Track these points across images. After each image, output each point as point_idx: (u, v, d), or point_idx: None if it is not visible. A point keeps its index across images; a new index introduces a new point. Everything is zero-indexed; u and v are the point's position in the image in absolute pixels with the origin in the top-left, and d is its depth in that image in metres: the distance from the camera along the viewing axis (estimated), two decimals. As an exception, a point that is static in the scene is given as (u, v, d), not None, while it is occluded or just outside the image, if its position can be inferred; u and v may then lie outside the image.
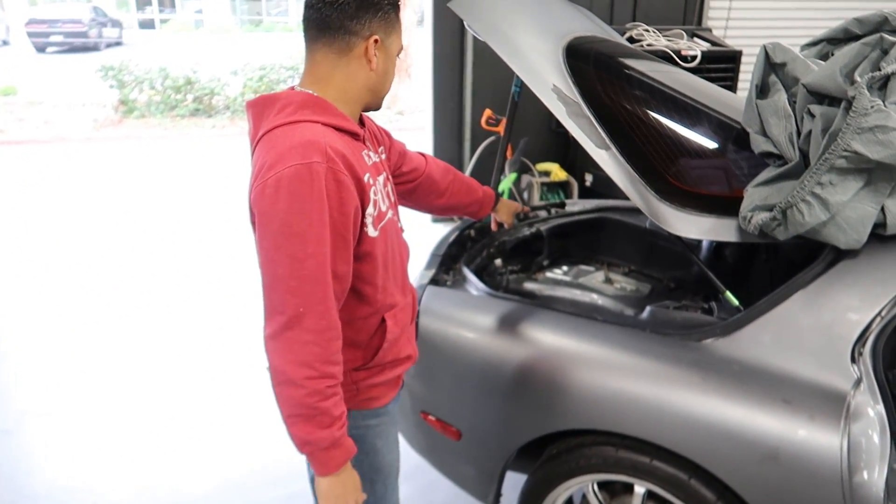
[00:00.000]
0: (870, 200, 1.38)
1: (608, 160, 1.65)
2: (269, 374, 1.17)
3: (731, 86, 4.30)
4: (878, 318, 1.43)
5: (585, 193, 4.65)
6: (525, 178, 4.88)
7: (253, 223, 1.20)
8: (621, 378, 1.61)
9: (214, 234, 5.04)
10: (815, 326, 1.49)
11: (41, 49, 17.89)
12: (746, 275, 2.27)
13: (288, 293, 1.13)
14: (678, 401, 1.52)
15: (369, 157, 1.32)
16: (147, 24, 24.22)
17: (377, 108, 1.36)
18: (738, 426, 1.45)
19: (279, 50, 11.01)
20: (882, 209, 1.39)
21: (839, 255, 1.52)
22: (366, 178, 1.24)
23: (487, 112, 4.36)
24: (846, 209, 1.38)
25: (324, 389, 1.15)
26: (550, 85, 1.74)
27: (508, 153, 4.56)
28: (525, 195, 4.89)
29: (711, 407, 1.49)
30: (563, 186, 4.83)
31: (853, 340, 1.44)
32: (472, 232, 2.48)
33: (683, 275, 2.49)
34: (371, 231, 1.26)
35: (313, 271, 1.13)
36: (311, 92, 1.25)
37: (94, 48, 17.96)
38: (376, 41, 1.24)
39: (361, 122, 1.37)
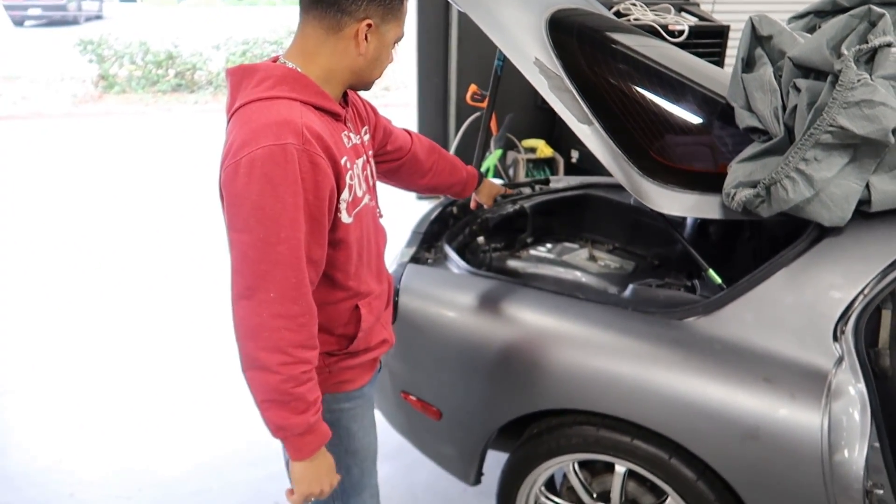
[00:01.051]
0: (854, 177, 1.35)
1: (591, 135, 1.61)
2: (240, 358, 1.14)
3: (719, 61, 4.26)
4: (861, 296, 1.42)
5: (571, 170, 4.62)
6: (510, 155, 4.83)
7: (222, 200, 1.15)
8: (602, 357, 1.60)
9: (194, 212, 4.96)
10: (797, 305, 1.47)
11: (19, 23, 17.44)
12: (730, 252, 2.25)
13: (258, 277, 1.09)
14: (659, 380, 1.51)
15: (349, 138, 1.27)
16: (128, -3, 23.72)
17: (365, 89, 1.30)
18: (719, 405, 1.44)
19: (263, 24, 10.79)
20: (867, 186, 1.37)
21: (822, 232, 1.50)
22: (343, 162, 1.19)
23: (472, 87, 4.30)
24: (831, 186, 1.35)
25: (298, 375, 1.13)
26: (532, 58, 1.69)
27: (493, 129, 4.52)
28: (510, 172, 4.85)
29: (692, 386, 1.48)
30: (548, 163, 4.79)
31: (835, 319, 1.43)
32: (455, 209, 2.45)
33: (667, 252, 2.47)
34: (345, 217, 1.22)
35: (286, 255, 1.09)
36: (293, 66, 1.20)
37: (73, 21, 17.54)
38: (369, 25, 1.17)
39: (346, 100, 1.32)
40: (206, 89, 9.92)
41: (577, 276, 2.40)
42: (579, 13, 2.06)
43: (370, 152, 1.40)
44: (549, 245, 2.62)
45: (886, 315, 1.53)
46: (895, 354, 1.58)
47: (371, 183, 1.37)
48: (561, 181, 2.74)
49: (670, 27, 4.04)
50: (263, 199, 1.07)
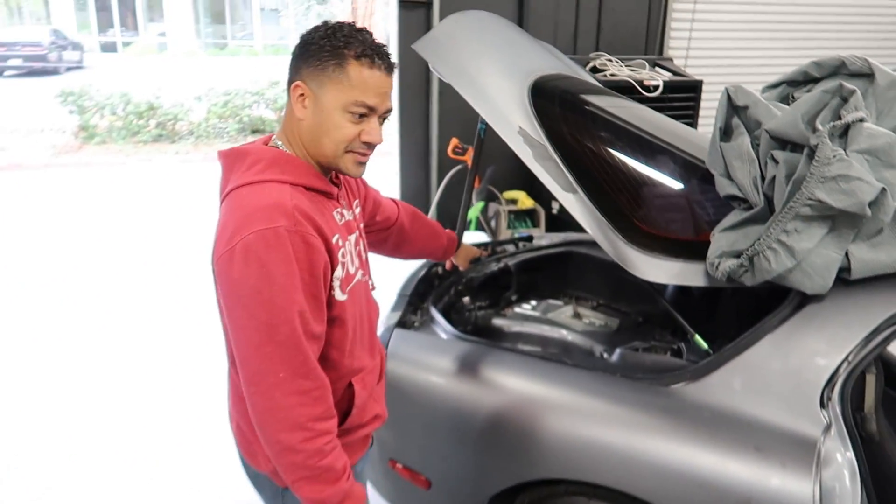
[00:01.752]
0: (834, 246, 1.38)
1: (575, 204, 1.64)
2: (266, 447, 1.15)
3: (693, 114, 4.37)
4: (846, 363, 1.44)
5: (552, 221, 4.66)
6: (492, 207, 4.87)
7: (217, 286, 1.16)
8: (592, 425, 1.59)
9: (175, 264, 4.92)
10: (783, 371, 1.48)
11: (-1, 73, 17.53)
12: (714, 309, 2.27)
13: (265, 360, 1.10)
14: (650, 449, 1.50)
15: (342, 215, 1.29)
16: (109, 48, 23.86)
17: (332, 168, 1.25)
18: (711, 475, 1.43)
19: (244, 74, 10.91)
20: (846, 254, 1.40)
21: (805, 298, 1.53)
22: (335, 240, 1.20)
23: (454, 141, 4.36)
24: (811, 255, 1.38)
25: (322, 447, 1.14)
26: (517, 127, 1.73)
27: (475, 182, 4.57)
28: (492, 224, 4.88)
29: (683, 455, 1.47)
30: (530, 214, 4.84)
31: (822, 385, 1.44)
32: (440, 269, 2.45)
33: (651, 308, 2.49)
34: (339, 295, 1.22)
35: (289, 336, 1.10)
36: (281, 147, 1.22)
37: (53, 72, 17.61)
38: (297, 86, 1.18)
39: (338, 175, 1.33)
40: (188, 139, 9.95)
41: (563, 334, 2.41)
42: (560, 78, 2.11)
43: (361, 225, 1.41)
44: (533, 302, 2.62)
45: (871, 380, 1.55)
46: (881, 418, 1.60)
47: (363, 258, 1.38)
48: (544, 238, 2.77)
49: (645, 82, 4.14)
50: (261, 284, 1.08)
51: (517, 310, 2.58)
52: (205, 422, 3.00)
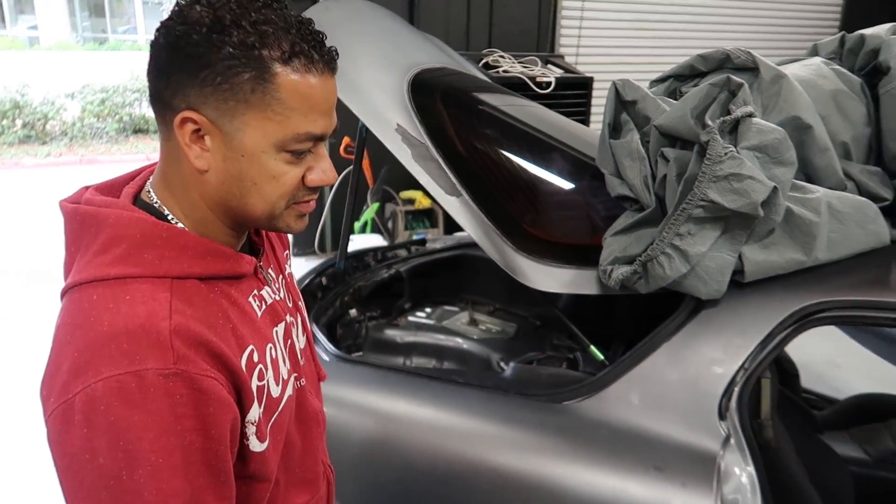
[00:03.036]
0: (727, 249, 1.31)
1: (459, 208, 1.50)
2: None
3: (585, 111, 4.38)
4: (742, 371, 1.37)
5: (450, 220, 4.56)
6: (388, 207, 4.71)
7: (52, 453, 0.72)
8: (485, 449, 1.45)
9: (40, 284, 4.44)
10: (681, 382, 1.40)
11: None
12: (609, 309, 2.21)
13: None
14: (546, 472, 1.38)
15: (262, 299, 0.86)
16: (-28, 41, 21.87)
17: (269, 230, 0.86)
18: (611, 499, 1.33)
19: (125, 70, 10.17)
20: (739, 257, 1.33)
21: (700, 303, 1.46)
22: (245, 359, 0.78)
23: (346, 140, 4.16)
24: (705, 259, 1.30)
25: None
26: (394, 124, 1.57)
27: (370, 182, 4.39)
28: (389, 225, 4.72)
29: (582, 478, 1.36)
30: (427, 214, 4.72)
31: (719, 395, 1.37)
32: (324, 279, 2.26)
33: (548, 312, 2.41)
34: (255, 445, 0.80)
35: None
36: (154, 203, 0.79)
37: None
38: (185, 120, 0.73)
39: (258, 232, 0.93)
40: (61, 140, 9.18)
41: (459, 343, 2.28)
42: (444, 73, 1.97)
43: (297, 292, 1.01)
44: (428, 309, 2.48)
45: (766, 384, 1.51)
46: (776, 423, 1.56)
47: (299, 348, 0.94)
48: (437, 241, 2.64)
49: (538, 79, 4.11)
50: (115, 468, 0.67)
51: (411, 318, 2.43)
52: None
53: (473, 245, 2.55)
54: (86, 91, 9.58)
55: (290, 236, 1.12)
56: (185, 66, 0.71)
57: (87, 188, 0.83)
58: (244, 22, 0.70)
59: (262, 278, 0.88)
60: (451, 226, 4.47)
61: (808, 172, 1.47)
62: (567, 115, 2.10)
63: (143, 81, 9.82)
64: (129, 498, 0.67)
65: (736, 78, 1.32)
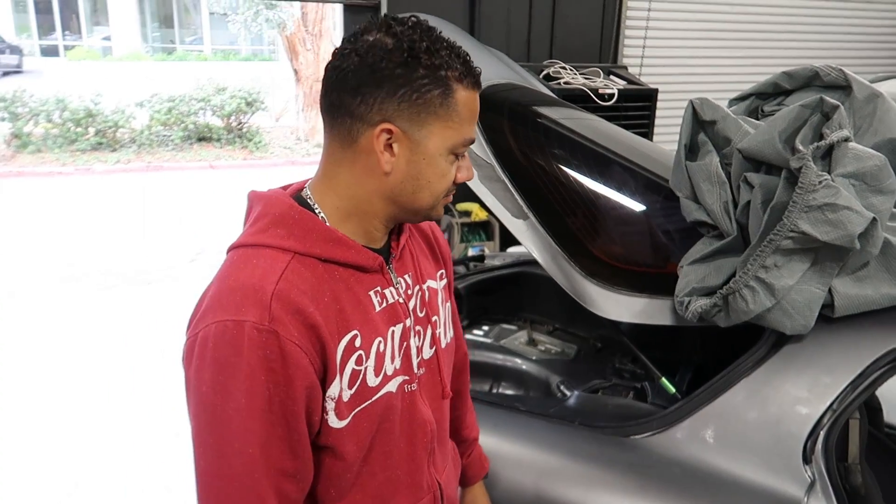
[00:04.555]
0: (816, 282, 1.22)
1: (526, 231, 1.45)
2: None
3: (649, 123, 4.26)
4: (830, 412, 1.27)
5: (506, 233, 4.50)
6: (444, 219, 4.69)
7: None
8: (549, 483, 1.39)
9: (115, 283, 4.59)
10: (761, 421, 1.31)
11: (-71, 76, 16.63)
12: (675, 333, 2.12)
13: (212, 496, 0.83)
14: (614, 512, 1.31)
15: (385, 297, 0.94)
16: (51, 51, 22.91)
17: (417, 220, 0.97)
18: (684, 545, 1.25)
19: (191, 80, 10.51)
20: (829, 290, 1.24)
21: (783, 336, 1.36)
22: (344, 340, 0.87)
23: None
24: (792, 293, 1.21)
25: None
26: (460, 144, 1.53)
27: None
28: (446, 236, 4.69)
29: (653, 520, 1.29)
30: (483, 227, 4.67)
31: (804, 438, 1.28)
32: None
33: (610, 333, 2.33)
34: (333, 420, 0.88)
35: (240, 473, 0.82)
36: (307, 197, 0.92)
37: (-11, 76, 16.81)
38: (389, 132, 0.85)
39: (398, 232, 1.00)
40: (129, 147, 9.52)
41: (518, 363, 2.23)
42: (509, 88, 1.93)
43: (442, 302, 1.06)
44: (485, 328, 2.44)
45: (855, 426, 1.40)
46: (865, 468, 1.45)
47: (419, 357, 1.00)
48: (496, 258, 2.59)
49: (600, 91, 4.01)
50: (213, 396, 0.80)
51: (468, 336, 2.38)
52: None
53: (532, 262, 2.48)
54: (154, 100, 9.91)
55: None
56: (384, 85, 0.84)
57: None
58: (430, 48, 0.84)
59: (389, 278, 0.96)
60: (507, 239, 4.40)
61: (905, 199, 1.37)
62: (630, 127, 2.02)
63: (207, 91, 10.14)
64: (220, 425, 0.81)
65: (830, 99, 1.23)
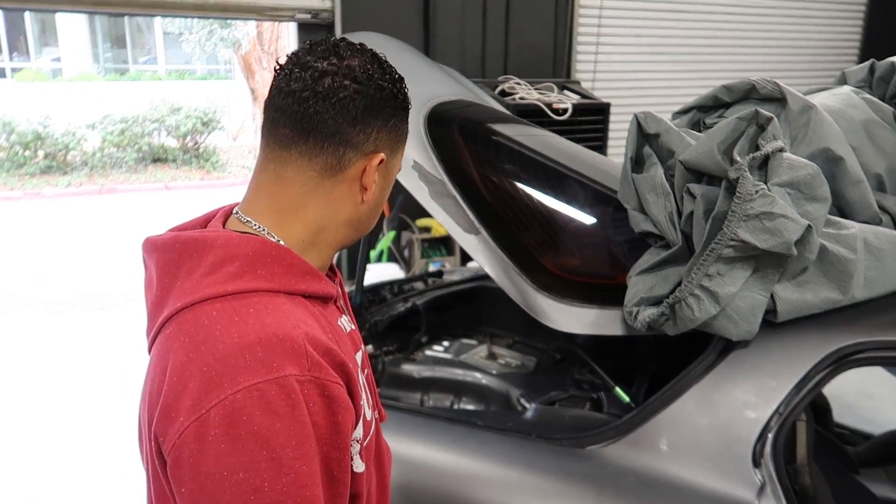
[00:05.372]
0: (759, 288, 1.25)
1: (477, 246, 1.46)
2: None
3: (602, 137, 4.34)
4: (777, 415, 1.31)
5: (467, 249, 4.52)
6: (405, 235, 4.69)
7: (167, 476, 0.72)
8: (508, 497, 1.40)
9: (66, 307, 4.46)
10: (712, 427, 1.34)
11: None
12: (630, 344, 2.15)
13: None
14: (572, 523, 1.32)
15: (343, 326, 0.88)
16: (-3, 73, 22.37)
17: (359, 238, 0.94)
18: (641, 553, 1.26)
19: (145, 100, 10.34)
20: (772, 296, 1.27)
21: (730, 343, 1.40)
22: (356, 375, 0.81)
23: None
24: (736, 299, 1.25)
25: None
26: (411, 161, 1.54)
27: (386, 210, 4.37)
28: (405, 253, 4.69)
29: (609, 530, 1.30)
30: (444, 242, 4.68)
31: (753, 441, 1.31)
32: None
33: (568, 345, 2.35)
34: (358, 465, 0.81)
35: None
36: (263, 232, 0.81)
37: (-69, 100, 16.26)
38: (375, 158, 0.82)
39: (332, 268, 0.94)
40: (81, 170, 9.31)
41: (478, 378, 2.23)
42: (461, 105, 1.94)
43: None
44: (445, 343, 2.43)
45: (802, 427, 1.43)
46: (813, 468, 1.48)
47: (372, 382, 0.97)
48: (455, 273, 2.60)
49: (554, 105, 4.08)
50: (258, 478, 0.66)
51: (428, 352, 2.38)
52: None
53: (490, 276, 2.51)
54: (106, 121, 9.74)
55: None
56: (380, 115, 0.82)
57: (169, 230, 0.86)
58: (397, 75, 0.85)
59: (340, 307, 0.91)
60: (468, 255, 4.43)
61: (840, 206, 1.42)
62: (584, 141, 2.06)
63: (161, 112, 9.99)
64: None
65: (765, 112, 1.27)
